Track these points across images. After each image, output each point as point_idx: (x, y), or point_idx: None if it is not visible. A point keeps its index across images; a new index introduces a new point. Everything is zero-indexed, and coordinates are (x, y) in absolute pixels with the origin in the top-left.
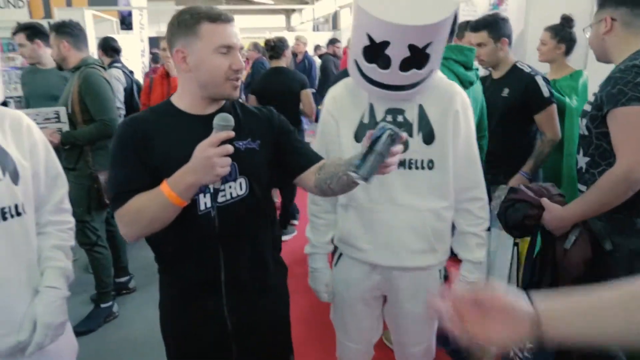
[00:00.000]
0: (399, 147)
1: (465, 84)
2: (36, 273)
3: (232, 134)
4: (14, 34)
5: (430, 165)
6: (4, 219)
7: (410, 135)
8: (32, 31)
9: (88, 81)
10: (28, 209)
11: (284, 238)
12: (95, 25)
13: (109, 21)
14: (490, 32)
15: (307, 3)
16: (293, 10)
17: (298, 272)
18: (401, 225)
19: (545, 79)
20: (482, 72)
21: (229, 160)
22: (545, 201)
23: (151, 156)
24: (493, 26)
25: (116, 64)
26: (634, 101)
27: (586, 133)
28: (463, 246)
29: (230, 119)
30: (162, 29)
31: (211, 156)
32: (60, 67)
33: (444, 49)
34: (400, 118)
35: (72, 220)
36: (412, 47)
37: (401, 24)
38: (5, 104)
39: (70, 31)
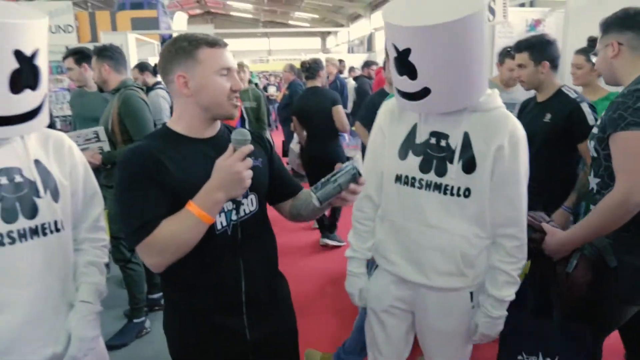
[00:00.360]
0: (357, 188)
1: None
2: (72, 287)
3: (252, 147)
4: (64, 58)
5: (467, 193)
6: (44, 234)
7: (451, 161)
8: (80, 55)
9: (127, 103)
10: (66, 226)
11: (329, 242)
12: (137, 48)
13: (151, 44)
14: (532, 53)
15: (342, 26)
16: (328, 33)
17: None
18: (430, 246)
19: (591, 106)
20: (527, 94)
21: (251, 173)
22: (546, 225)
23: (167, 180)
24: (536, 48)
25: (161, 85)
26: (632, 126)
27: (595, 155)
28: (491, 280)
29: (247, 134)
30: None
31: (241, 170)
32: (100, 89)
33: (455, 72)
34: (443, 143)
35: (106, 238)
36: (396, 48)
37: (385, 19)
38: (51, 123)
39: (111, 55)
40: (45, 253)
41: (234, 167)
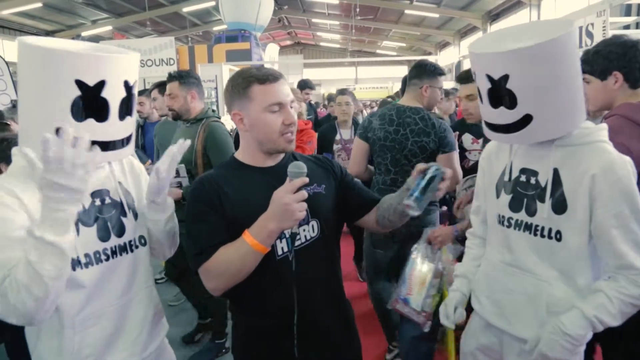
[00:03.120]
0: (443, 184)
1: None
2: (156, 294)
3: (306, 180)
4: (150, 90)
5: (558, 237)
6: (131, 250)
7: (542, 200)
8: (164, 86)
9: (214, 135)
10: (147, 238)
11: None
12: None
13: None
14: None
15: (430, 54)
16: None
17: None
18: (517, 289)
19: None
20: None
21: (305, 205)
22: None
23: (228, 208)
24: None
25: None
26: None
27: None
28: (584, 299)
29: (303, 167)
30: (290, 80)
31: (290, 202)
32: (176, 118)
33: (557, 95)
34: (533, 180)
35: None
36: (490, 79)
37: (476, 52)
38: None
39: (196, 81)
40: (132, 267)
41: (284, 199)
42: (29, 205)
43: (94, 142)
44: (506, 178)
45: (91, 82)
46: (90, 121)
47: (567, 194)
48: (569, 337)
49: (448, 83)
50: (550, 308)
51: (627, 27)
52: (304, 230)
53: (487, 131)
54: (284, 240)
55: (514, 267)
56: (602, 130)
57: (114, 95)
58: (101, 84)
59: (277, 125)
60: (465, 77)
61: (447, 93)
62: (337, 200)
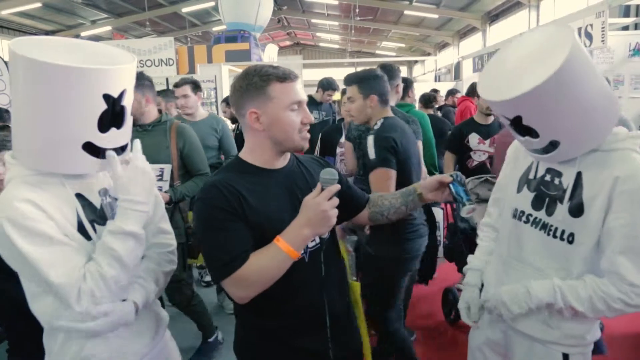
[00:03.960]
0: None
1: None
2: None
3: (339, 186)
4: (178, 86)
5: (571, 239)
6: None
7: (561, 201)
8: (195, 84)
9: (191, 137)
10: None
11: None
12: (230, 78)
13: None
14: (360, 87)
15: (429, 54)
16: (415, 62)
17: None
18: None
19: (378, 138)
20: None
21: (337, 211)
22: None
23: (249, 214)
24: (364, 81)
25: None
26: None
27: None
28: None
29: (335, 174)
30: None
31: (327, 209)
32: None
33: (576, 118)
34: (557, 181)
35: (173, 243)
36: (506, 117)
37: (483, 97)
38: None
39: (149, 84)
40: None
41: (321, 205)
42: (48, 210)
43: (113, 150)
44: (531, 175)
45: (115, 93)
46: (113, 130)
47: (586, 198)
48: (529, 296)
49: (448, 84)
50: (556, 307)
51: (625, 27)
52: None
53: (526, 151)
54: None
55: (522, 263)
56: (634, 138)
57: (128, 102)
58: (122, 93)
59: (297, 123)
60: (348, 80)
61: (452, 92)
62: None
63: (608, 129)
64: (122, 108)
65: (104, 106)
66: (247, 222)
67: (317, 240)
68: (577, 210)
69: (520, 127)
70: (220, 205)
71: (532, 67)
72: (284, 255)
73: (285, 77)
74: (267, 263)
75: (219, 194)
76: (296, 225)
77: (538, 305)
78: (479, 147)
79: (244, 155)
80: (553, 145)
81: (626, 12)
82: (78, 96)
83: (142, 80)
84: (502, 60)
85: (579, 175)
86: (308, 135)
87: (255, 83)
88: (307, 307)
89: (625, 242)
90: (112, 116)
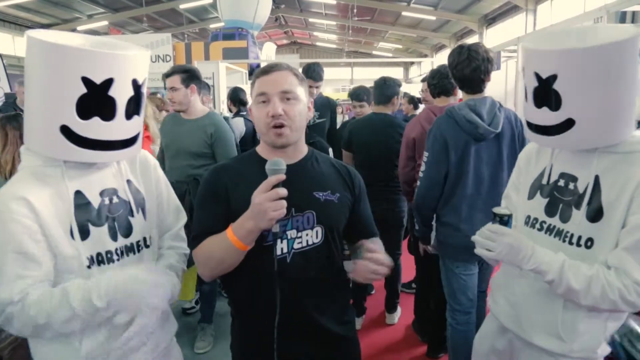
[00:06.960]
0: None
1: None
2: None
3: (282, 177)
4: (168, 76)
5: (589, 244)
6: (138, 251)
7: (577, 207)
8: (188, 75)
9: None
10: (153, 240)
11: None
12: (227, 76)
13: (239, 72)
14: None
15: (425, 56)
16: (411, 63)
17: None
18: (532, 293)
19: None
20: None
21: (282, 203)
22: None
23: (232, 202)
24: (187, 72)
25: (241, 113)
26: None
27: None
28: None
29: (280, 163)
30: None
31: (262, 202)
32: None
33: (604, 103)
34: (571, 186)
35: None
36: (538, 77)
37: (528, 47)
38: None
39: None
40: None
41: (255, 198)
42: (42, 211)
43: (97, 141)
44: (544, 181)
45: (98, 79)
46: (96, 119)
47: (605, 202)
48: (526, 256)
49: None
50: (567, 317)
51: None
52: (307, 234)
53: (527, 131)
54: (284, 241)
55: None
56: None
57: (121, 94)
58: (108, 82)
59: (263, 117)
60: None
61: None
62: (348, 214)
63: (623, 132)
64: (111, 99)
65: (82, 89)
66: (229, 208)
67: (309, 242)
68: (596, 214)
69: (544, 93)
70: (207, 188)
71: (587, 39)
72: (229, 242)
73: (264, 71)
74: (215, 246)
75: (213, 176)
76: (243, 216)
77: (535, 270)
78: None
79: (258, 147)
80: (566, 126)
81: (622, 18)
82: (55, 74)
83: (193, 72)
84: (561, 32)
85: (596, 178)
86: (281, 131)
87: (253, 81)
88: (264, 305)
89: (635, 240)
90: (95, 104)
